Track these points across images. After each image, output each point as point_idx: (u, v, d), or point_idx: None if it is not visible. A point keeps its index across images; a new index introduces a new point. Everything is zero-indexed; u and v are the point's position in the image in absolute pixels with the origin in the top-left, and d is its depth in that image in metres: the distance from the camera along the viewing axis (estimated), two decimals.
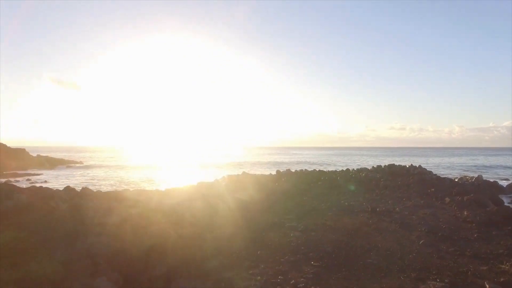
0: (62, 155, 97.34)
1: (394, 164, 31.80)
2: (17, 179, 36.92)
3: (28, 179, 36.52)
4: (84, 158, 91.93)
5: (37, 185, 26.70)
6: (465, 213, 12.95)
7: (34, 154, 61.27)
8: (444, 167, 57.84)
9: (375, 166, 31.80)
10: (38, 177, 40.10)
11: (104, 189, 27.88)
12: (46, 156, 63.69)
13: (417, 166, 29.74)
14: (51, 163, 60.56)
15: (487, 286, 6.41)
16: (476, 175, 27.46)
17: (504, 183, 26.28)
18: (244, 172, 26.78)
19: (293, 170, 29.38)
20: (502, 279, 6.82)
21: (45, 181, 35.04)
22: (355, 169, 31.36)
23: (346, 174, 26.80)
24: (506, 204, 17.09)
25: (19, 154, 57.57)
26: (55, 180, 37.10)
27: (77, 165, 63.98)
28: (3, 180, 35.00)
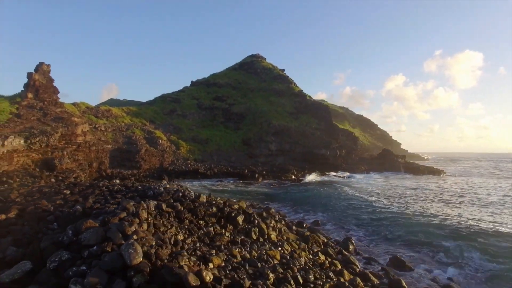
0: None
1: None
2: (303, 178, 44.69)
3: (297, 179, 43.32)
4: None
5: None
6: None
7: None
8: None
9: None
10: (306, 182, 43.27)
11: None
12: (413, 163, 68.25)
13: None
14: (406, 168, 62.90)
15: None
16: None
17: None
18: None
19: None
20: None
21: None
22: None
23: None
24: None
25: (389, 158, 65.59)
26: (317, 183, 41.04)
27: (428, 175, 56.13)
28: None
